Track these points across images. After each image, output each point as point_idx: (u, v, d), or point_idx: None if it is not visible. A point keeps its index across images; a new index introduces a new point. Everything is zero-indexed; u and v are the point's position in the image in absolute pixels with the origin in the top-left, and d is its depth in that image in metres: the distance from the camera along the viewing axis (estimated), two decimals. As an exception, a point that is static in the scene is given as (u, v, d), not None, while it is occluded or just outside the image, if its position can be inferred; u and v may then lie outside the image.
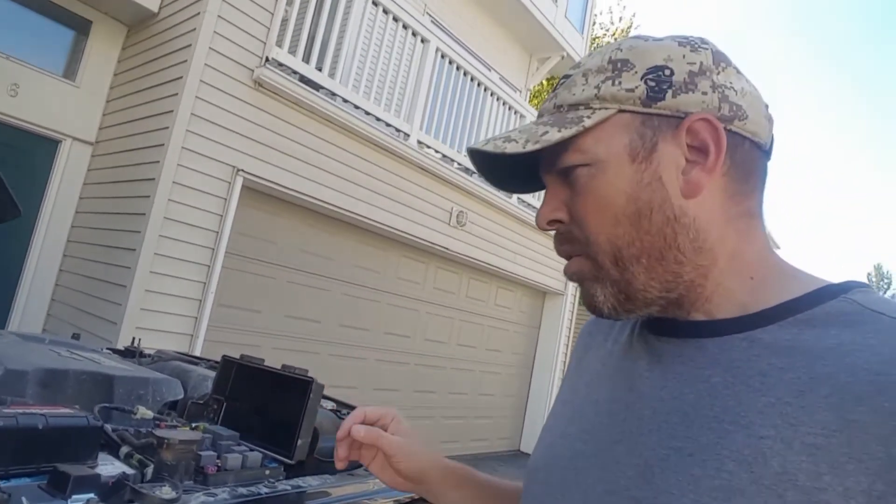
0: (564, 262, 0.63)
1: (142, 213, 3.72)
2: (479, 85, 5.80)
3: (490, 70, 7.45)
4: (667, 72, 0.55)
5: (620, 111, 0.56)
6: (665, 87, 0.55)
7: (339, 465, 0.71)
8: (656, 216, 0.55)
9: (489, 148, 0.59)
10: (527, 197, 6.49)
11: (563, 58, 8.50)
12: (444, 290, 6.10)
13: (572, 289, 7.54)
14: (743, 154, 0.56)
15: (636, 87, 0.56)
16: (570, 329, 7.69)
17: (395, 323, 5.59)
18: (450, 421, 6.39)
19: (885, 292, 39.55)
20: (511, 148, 0.57)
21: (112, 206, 4.14)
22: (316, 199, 4.46)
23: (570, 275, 0.61)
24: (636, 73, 0.56)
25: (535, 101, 11.25)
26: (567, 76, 0.61)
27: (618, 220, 0.55)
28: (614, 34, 11.74)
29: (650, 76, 0.56)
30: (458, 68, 5.54)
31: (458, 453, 6.48)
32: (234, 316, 4.34)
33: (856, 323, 0.48)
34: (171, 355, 1.79)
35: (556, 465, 0.62)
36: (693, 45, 0.57)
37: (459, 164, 5.65)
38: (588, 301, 0.60)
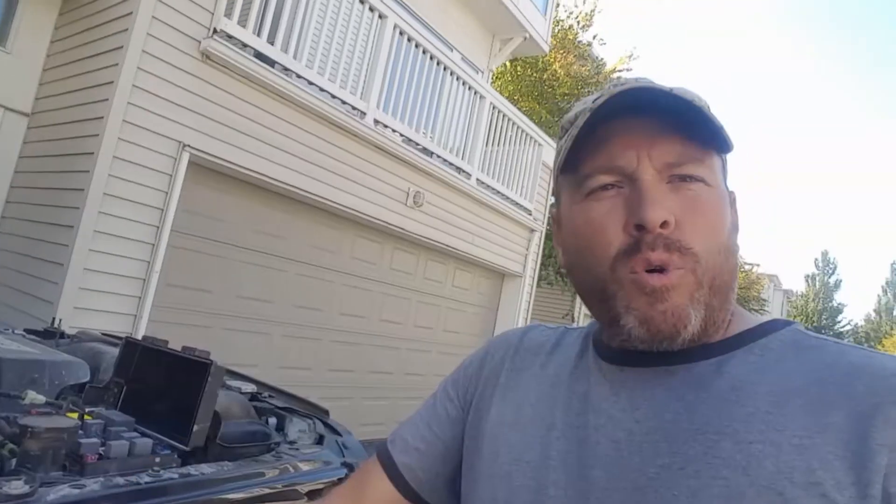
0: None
1: (80, 188, 3.57)
2: (438, 64, 5.71)
3: (452, 50, 7.37)
4: None
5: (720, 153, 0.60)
6: None
7: None
8: (735, 259, 0.58)
9: (659, 87, 0.55)
10: (485, 178, 6.47)
11: (525, 39, 8.45)
12: (400, 270, 6.06)
13: (531, 271, 7.59)
14: None
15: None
16: (527, 311, 7.75)
17: (350, 304, 5.54)
18: (405, 402, 6.39)
19: (830, 277, 41.20)
20: (697, 102, 0.55)
21: (50, 181, 3.96)
22: (268, 177, 4.35)
23: (668, 287, 0.54)
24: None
25: (498, 83, 11.19)
26: (669, 90, 0.57)
27: (720, 247, 0.56)
28: (577, 17, 11.72)
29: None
30: (416, 46, 5.44)
31: (415, 434, 6.50)
32: (182, 296, 4.23)
33: (808, 348, 0.55)
34: (92, 336, 1.71)
35: (520, 497, 0.59)
36: None
37: (417, 143, 5.58)
38: (674, 320, 0.54)
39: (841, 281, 41.46)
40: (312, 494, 1.09)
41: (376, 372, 5.97)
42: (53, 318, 1.86)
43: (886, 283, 42.59)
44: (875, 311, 42.29)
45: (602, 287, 0.56)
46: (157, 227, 3.82)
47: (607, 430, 0.56)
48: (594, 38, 11.57)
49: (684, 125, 0.54)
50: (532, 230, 7.42)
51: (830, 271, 41.47)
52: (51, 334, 1.79)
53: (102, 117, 3.57)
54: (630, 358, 0.58)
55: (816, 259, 42.57)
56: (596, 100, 0.58)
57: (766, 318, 0.61)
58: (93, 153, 3.56)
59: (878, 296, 42.76)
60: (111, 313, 3.67)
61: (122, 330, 3.71)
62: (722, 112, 0.67)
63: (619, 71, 11.45)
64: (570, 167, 0.59)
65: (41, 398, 0.97)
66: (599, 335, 0.64)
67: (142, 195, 3.72)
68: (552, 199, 9.09)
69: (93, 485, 0.72)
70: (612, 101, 0.55)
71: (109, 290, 3.66)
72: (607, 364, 0.61)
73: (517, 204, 7.04)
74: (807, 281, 41.80)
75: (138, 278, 3.78)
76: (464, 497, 0.66)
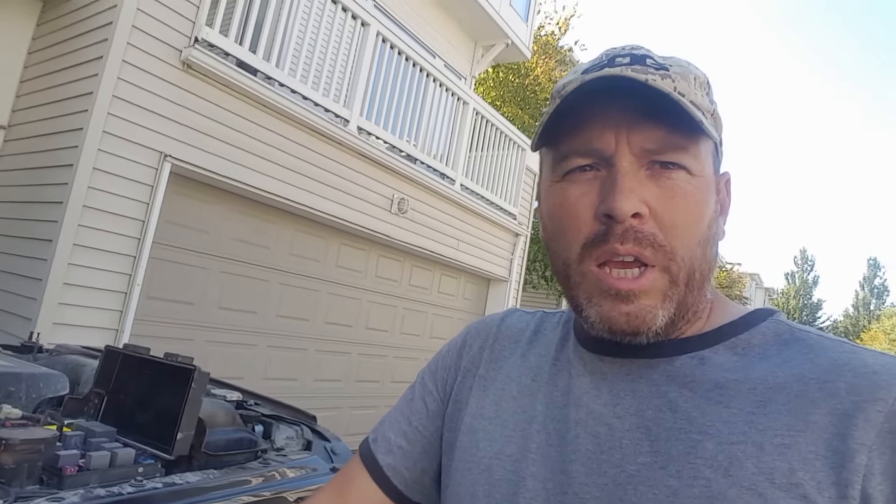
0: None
1: (59, 201, 3.51)
2: (421, 70, 5.72)
3: (434, 57, 7.38)
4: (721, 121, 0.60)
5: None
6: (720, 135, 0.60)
7: None
8: (714, 248, 0.57)
9: (635, 75, 0.51)
10: (470, 183, 6.48)
11: (507, 45, 8.50)
12: (386, 278, 6.04)
13: (516, 275, 7.60)
14: None
15: (721, 124, 0.59)
16: (514, 316, 7.74)
17: (336, 312, 5.50)
18: (394, 410, 6.35)
19: (808, 274, 41.90)
20: (674, 94, 0.51)
21: (27, 195, 3.89)
22: (251, 186, 4.31)
23: (636, 292, 0.52)
24: (717, 107, 0.59)
25: (481, 89, 11.23)
26: (663, 66, 0.54)
27: (699, 239, 0.54)
28: (558, 23, 11.83)
29: (718, 117, 0.59)
30: (399, 53, 5.45)
31: (404, 442, 6.46)
32: (165, 308, 4.17)
33: (789, 342, 0.54)
34: (72, 349, 1.68)
35: (500, 490, 0.57)
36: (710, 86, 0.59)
37: (401, 150, 5.58)
38: (637, 323, 0.52)
39: (819, 277, 42.16)
40: (300, 502, 1.07)
41: (363, 381, 5.92)
42: (31, 333, 1.82)
43: (864, 278, 43.28)
44: (853, 305, 42.93)
45: (568, 273, 0.56)
46: (139, 239, 3.77)
47: (587, 424, 0.55)
48: (575, 43, 11.69)
49: (668, 111, 0.51)
50: (517, 234, 7.43)
51: (809, 268, 42.13)
52: (28, 349, 1.75)
53: (82, 128, 3.52)
54: (610, 347, 0.56)
55: (795, 256, 43.25)
56: (586, 71, 0.56)
57: (747, 308, 0.60)
58: (72, 165, 3.51)
59: (856, 291, 43.45)
60: (92, 328, 3.61)
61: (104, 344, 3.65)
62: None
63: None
64: (551, 141, 0.57)
65: (17, 411, 0.94)
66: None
67: (122, 207, 3.67)
68: (535, 204, 9.16)
69: (72, 497, 0.70)
70: (591, 83, 0.52)
71: (90, 305, 3.59)
72: (587, 353, 0.59)
73: (501, 209, 7.05)
74: (786, 279, 42.40)
75: (120, 292, 3.72)
76: (444, 490, 0.65)
